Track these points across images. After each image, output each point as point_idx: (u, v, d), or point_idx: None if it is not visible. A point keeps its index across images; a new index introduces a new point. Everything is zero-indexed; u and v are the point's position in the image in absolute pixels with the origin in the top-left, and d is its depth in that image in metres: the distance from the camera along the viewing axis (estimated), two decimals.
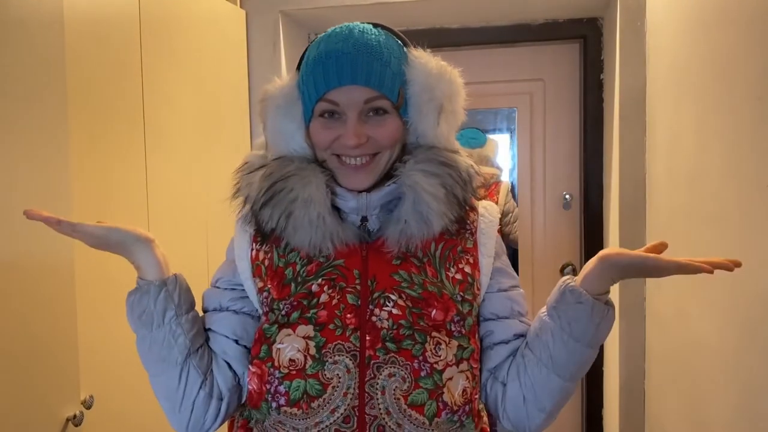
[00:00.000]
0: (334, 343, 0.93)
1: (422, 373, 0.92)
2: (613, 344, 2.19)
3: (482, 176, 1.04)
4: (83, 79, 1.53)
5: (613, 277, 0.92)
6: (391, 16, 2.38)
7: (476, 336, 1.01)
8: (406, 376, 0.92)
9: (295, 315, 0.95)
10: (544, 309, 0.98)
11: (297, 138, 0.99)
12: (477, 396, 0.99)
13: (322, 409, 0.92)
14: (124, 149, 1.70)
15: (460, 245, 1.01)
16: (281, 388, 0.93)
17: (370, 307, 0.94)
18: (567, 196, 2.59)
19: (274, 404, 0.94)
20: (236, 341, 1.02)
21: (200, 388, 0.98)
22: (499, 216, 1.08)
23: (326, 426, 0.92)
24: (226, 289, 1.05)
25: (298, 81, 0.99)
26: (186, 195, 1.94)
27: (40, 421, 1.32)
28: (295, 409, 0.92)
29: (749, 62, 1.19)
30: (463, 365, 0.96)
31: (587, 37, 2.43)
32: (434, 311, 0.95)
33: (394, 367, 0.92)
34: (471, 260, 1.01)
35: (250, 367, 0.99)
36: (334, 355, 0.92)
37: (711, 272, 0.82)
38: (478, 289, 1.01)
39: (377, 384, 0.92)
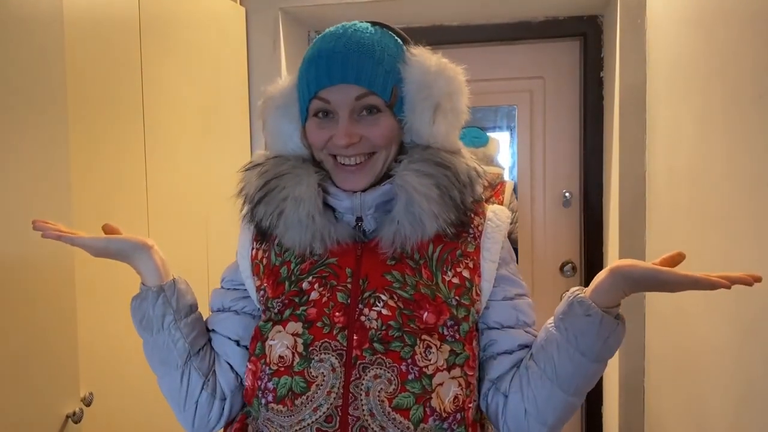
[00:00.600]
0: (321, 341, 0.92)
1: (410, 377, 0.90)
2: None
3: (487, 178, 1.03)
4: (83, 77, 1.53)
5: (625, 290, 0.87)
6: (391, 13, 2.37)
7: (473, 343, 0.97)
8: (392, 378, 0.90)
9: (287, 312, 0.95)
10: (551, 320, 0.95)
11: (294, 138, 1.00)
12: (471, 405, 0.96)
13: (305, 406, 0.91)
14: (124, 147, 1.69)
15: (459, 248, 0.98)
16: (270, 385, 0.93)
17: (360, 306, 0.93)
18: (567, 194, 2.59)
19: (263, 401, 0.94)
20: (237, 342, 1.02)
21: (202, 388, 0.99)
22: (509, 221, 1.05)
23: (308, 424, 0.90)
24: (229, 289, 1.06)
25: (297, 81, 1.00)
26: (186, 193, 1.93)
27: (39, 418, 1.32)
28: (280, 406, 0.92)
29: (750, 59, 1.19)
30: (456, 371, 0.93)
31: (587, 35, 2.43)
32: (426, 314, 0.93)
33: (381, 369, 0.90)
34: (471, 264, 0.98)
35: (248, 364, 0.99)
36: (321, 353, 0.91)
37: (728, 287, 0.79)
38: (478, 295, 0.98)
39: (362, 385, 0.90)
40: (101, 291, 1.54)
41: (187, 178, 1.93)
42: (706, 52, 1.45)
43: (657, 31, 1.89)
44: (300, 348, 0.92)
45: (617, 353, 2.09)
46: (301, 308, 0.94)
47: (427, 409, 0.90)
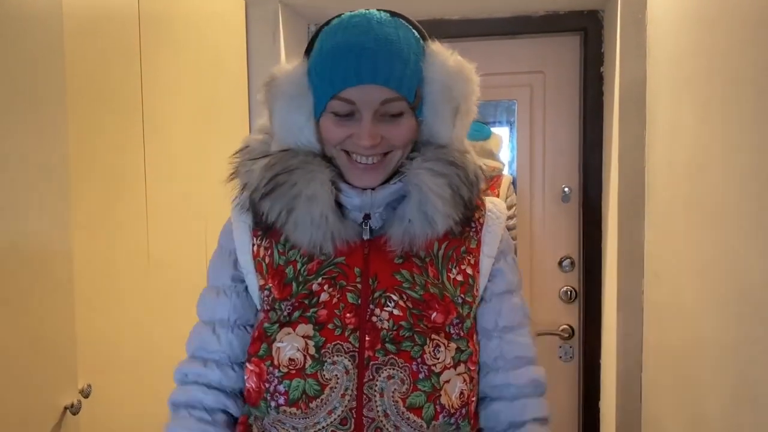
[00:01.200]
0: (333, 343, 0.91)
1: (420, 376, 0.91)
2: (610, 336, 2.19)
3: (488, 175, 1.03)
4: (82, 69, 1.52)
5: None
6: (391, 6, 2.35)
7: (474, 338, 0.99)
8: (405, 378, 0.91)
9: (296, 314, 0.94)
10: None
11: (306, 132, 0.94)
12: (474, 398, 0.99)
13: (320, 409, 0.90)
14: (123, 140, 1.69)
15: (464, 245, 0.98)
16: (281, 388, 0.92)
17: (371, 306, 0.92)
18: (566, 189, 2.59)
19: (273, 403, 0.93)
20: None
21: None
22: (506, 213, 1.06)
23: (323, 427, 0.91)
24: (232, 294, 1.03)
25: (308, 69, 0.94)
26: (185, 186, 1.93)
27: (37, 410, 1.32)
28: (294, 409, 0.91)
29: (751, 55, 1.19)
30: (461, 368, 0.95)
31: (588, 30, 2.42)
32: (435, 314, 0.93)
33: (393, 369, 0.91)
34: (472, 261, 0.98)
35: (248, 365, 0.98)
36: (333, 356, 0.91)
37: None
38: (477, 291, 0.99)
39: (376, 386, 0.90)
40: (100, 281, 1.54)
41: (186, 172, 1.93)
42: (706, 47, 1.44)
43: (658, 26, 1.88)
44: (312, 350, 0.91)
45: (615, 349, 2.10)
46: (311, 310, 0.92)
47: (437, 407, 0.91)
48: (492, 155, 2.74)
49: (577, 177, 2.58)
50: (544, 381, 1.05)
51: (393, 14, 0.95)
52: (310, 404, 0.90)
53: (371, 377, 0.91)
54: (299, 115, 0.94)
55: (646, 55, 1.99)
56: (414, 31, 0.95)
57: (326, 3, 2.29)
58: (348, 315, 0.92)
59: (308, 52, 0.95)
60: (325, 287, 0.93)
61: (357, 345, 0.91)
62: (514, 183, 2.71)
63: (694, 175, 1.51)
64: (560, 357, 2.58)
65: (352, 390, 0.90)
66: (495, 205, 1.04)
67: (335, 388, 0.91)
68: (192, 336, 1.06)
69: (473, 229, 0.99)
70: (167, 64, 1.86)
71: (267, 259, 0.97)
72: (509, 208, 2.69)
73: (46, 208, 1.34)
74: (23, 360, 1.29)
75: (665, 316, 1.80)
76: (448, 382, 0.93)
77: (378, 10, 0.94)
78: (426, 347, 0.92)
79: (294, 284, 0.95)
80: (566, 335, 2.55)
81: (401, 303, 0.92)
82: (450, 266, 0.96)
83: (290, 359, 0.92)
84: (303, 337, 0.92)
